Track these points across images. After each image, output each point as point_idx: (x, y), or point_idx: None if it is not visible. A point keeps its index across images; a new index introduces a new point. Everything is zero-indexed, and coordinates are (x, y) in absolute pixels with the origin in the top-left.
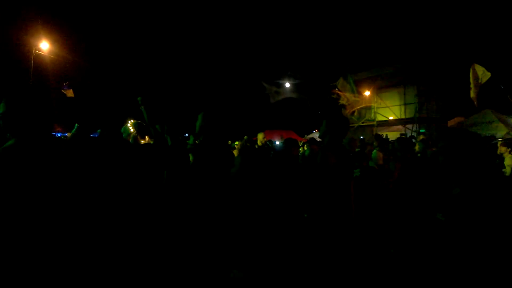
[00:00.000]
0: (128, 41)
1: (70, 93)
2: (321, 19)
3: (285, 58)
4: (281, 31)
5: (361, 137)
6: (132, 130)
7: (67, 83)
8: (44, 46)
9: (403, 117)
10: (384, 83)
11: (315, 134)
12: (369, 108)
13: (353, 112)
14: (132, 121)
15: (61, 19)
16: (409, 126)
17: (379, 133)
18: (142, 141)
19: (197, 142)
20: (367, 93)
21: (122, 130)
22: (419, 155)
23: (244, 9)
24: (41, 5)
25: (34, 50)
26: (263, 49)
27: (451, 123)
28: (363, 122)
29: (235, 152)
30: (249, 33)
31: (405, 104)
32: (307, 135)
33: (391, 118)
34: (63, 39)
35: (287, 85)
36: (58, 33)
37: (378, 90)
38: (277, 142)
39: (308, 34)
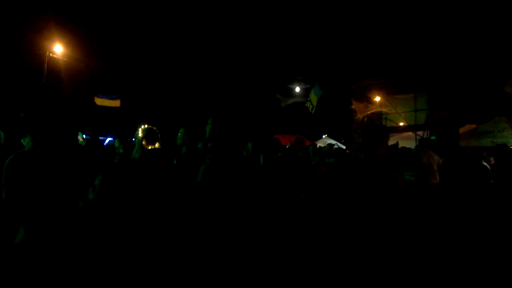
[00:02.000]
0: (139, 44)
1: (116, 103)
2: (331, 24)
3: (296, 63)
4: (292, 36)
5: None
6: (140, 135)
7: (117, 94)
8: (58, 49)
9: (414, 123)
10: (395, 89)
11: (325, 139)
12: (379, 114)
13: (364, 118)
14: (144, 126)
15: (74, 22)
16: (420, 133)
17: (390, 139)
18: (150, 146)
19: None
20: (377, 98)
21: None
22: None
23: (254, 13)
24: (54, 8)
25: (48, 53)
26: (274, 54)
27: (462, 130)
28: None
29: None
30: (260, 38)
31: (416, 110)
32: (317, 140)
33: (401, 124)
34: (77, 41)
35: (297, 89)
36: (71, 36)
37: (389, 96)
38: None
39: (318, 39)
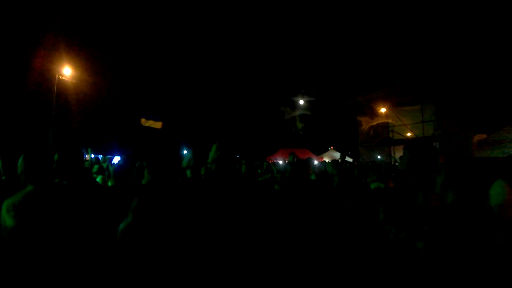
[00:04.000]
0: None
1: (158, 125)
2: (335, 36)
3: (300, 75)
4: (296, 49)
5: (378, 156)
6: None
7: (159, 117)
8: (67, 71)
9: (421, 135)
10: (401, 100)
11: (331, 152)
12: (386, 126)
13: (369, 130)
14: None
15: (82, 45)
16: None
17: (397, 152)
18: None
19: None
20: (382, 110)
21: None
22: None
23: (255, 27)
24: (63, 32)
25: (57, 75)
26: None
27: (473, 140)
28: (379, 141)
29: None
30: (263, 51)
31: (423, 121)
32: (323, 153)
33: (409, 134)
34: (85, 64)
35: (301, 102)
36: (80, 58)
37: (394, 107)
38: (280, 162)
39: (323, 51)
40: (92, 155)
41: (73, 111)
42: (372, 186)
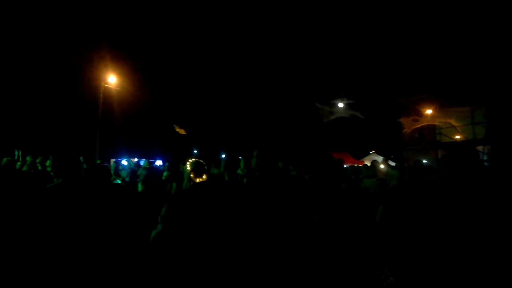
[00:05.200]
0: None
1: (182, 131)
2: (377, 34)
3: (339, 76)
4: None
5: (424, 161)
6: (188, 168)
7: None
8: (112, 79)
9: (472, 137)
10: (448, 102)
11: (373, 156)
12: (432, 128)
13: (414, 132)
14: (191, 160)
15: (126, 55)
16: (480, 148)
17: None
18: (197, 180)
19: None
20: (428, 111)
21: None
22: None
23: (293, 30)
24: (109, 43)
25: (102, 83)
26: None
27: None
28: (426, 144)
29: None
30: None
31: (473, 123)
32: (364, 157)
33: (457, 137)
34: (128, 72)
35: (340, 105)
36: (124, 67)
37: (442, 108)
38: None
39: (363, 52)
40: (136, 159)
41: (116, 117)
42: None
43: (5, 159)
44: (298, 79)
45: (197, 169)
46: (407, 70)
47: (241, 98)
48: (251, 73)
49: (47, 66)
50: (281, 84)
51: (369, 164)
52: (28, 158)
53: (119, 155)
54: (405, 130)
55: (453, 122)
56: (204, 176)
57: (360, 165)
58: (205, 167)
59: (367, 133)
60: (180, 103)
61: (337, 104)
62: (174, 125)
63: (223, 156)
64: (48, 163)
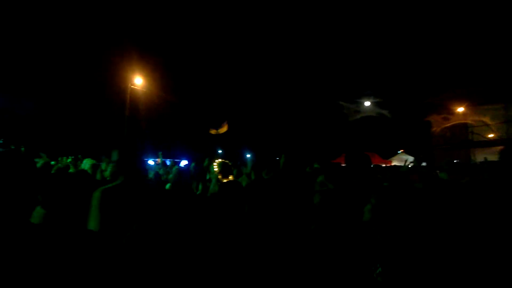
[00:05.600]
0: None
1: (224, 129)
2: (406, 30)
3: (365, 74)
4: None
5: (455, 160)
6: (216, 169)
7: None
8: (138, 81)
9: (505, 136)
10: (481, 99)
11: (401, 156)
12: (464, 126)
13: (445, 131)
14: (218, 160)
15: (152, 57)
16: None
17: (477, 155)
18: (225, 180)
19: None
20: (460, 109)
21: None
22: None
23: (320, 28)
24: (136, 45)
25: (129, 85)
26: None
27: None
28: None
29: None
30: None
31: (507, 121)
32: (392, 156)
33: (491, 135)
34: (154, 74)
35: (367, 103)
36: (150, 68)
37: (474, 106)
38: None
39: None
40: (159, 159)
41: (143, 117)
42: None
43: (41, 161)
44: (323, 77)
45: (225, 170)
46: (436, 67)
47: (266, 99)
48: (276, 72)
49: (75, 70)
50: (305, 80)
51: (398, 164)
52: (64, 159)
53: (145, 155)
54: (434, 129)
55: (487, 120)
56: (230, 177)
57: (388, 165)
58: (232, 168)
59: (395, 132)
60: (205, 103)
61: (363, 102)
62: (210, 129)
63: (248, 156)
64: (85, 163)
